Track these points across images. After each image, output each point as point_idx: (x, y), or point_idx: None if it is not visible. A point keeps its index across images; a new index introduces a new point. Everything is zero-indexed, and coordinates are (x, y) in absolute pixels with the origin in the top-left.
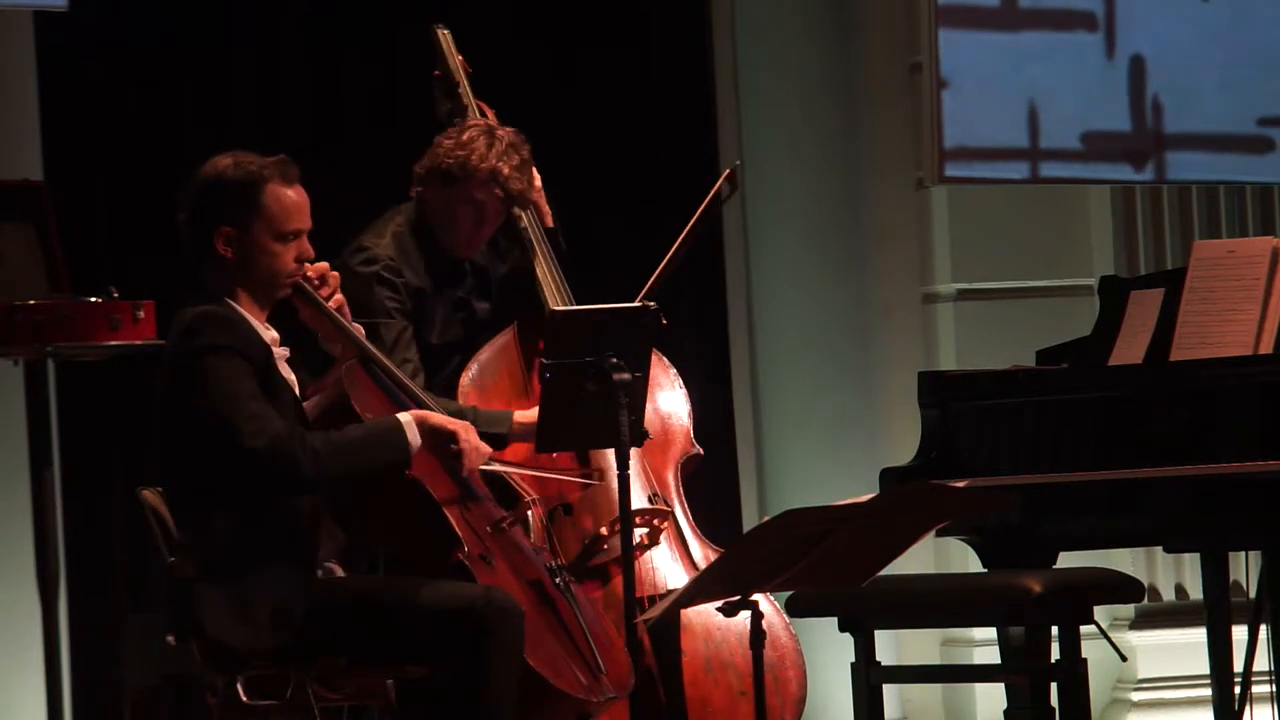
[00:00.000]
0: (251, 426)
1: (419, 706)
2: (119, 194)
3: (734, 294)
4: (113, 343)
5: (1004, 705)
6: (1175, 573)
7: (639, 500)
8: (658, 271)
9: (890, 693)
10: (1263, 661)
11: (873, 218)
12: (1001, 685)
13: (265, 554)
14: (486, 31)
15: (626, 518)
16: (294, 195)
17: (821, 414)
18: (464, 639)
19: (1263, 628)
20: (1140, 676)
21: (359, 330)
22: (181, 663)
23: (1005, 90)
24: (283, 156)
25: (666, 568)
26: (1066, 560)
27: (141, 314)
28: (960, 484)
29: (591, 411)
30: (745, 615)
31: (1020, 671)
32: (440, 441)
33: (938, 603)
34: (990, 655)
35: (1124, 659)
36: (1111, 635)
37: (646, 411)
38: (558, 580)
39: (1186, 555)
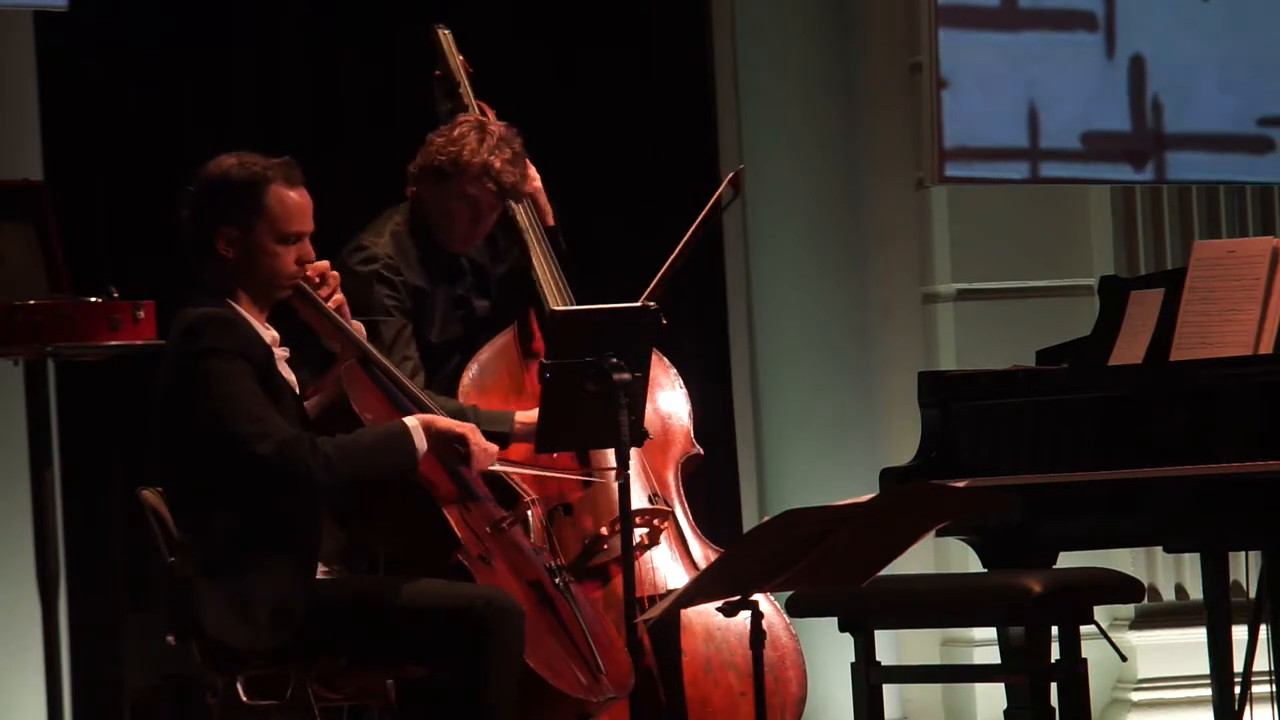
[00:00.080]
0: (257, 430)
1: (419, 706)
2: (119, 194)
3: (734, 294)
4: (113, 343)
5: (1004, 705)
6: (1175, 573)
7: (639, 500)
8: (660, 274)
9: (890, 693)
10: (1263, 661)
11: (873, 218)
12: (1001, 685)
13: (265, 554)
14: (486, 31)
15: (626, 518)
16: (297, 197)
17: (821, 414)
18: (464, 639)
19: (1263, 628)
20: (1140, 676)
21: (359, 330)
22: (181, 663)
23: (1005, 90)
24: (287, 158)
25: (666, 568)
26: (1066, 560)
27: (141, 314)
28: (960, 484)
29: (591, 411)
30: (745, 615)
31: (1020, 671)
32: (448, 445)
33: (938, 603)
34: (990, 655)
35: (1124, 659)
36: (1111, 635)
37: (646, 411)
38: (557, 580)
39: (1186, 555)
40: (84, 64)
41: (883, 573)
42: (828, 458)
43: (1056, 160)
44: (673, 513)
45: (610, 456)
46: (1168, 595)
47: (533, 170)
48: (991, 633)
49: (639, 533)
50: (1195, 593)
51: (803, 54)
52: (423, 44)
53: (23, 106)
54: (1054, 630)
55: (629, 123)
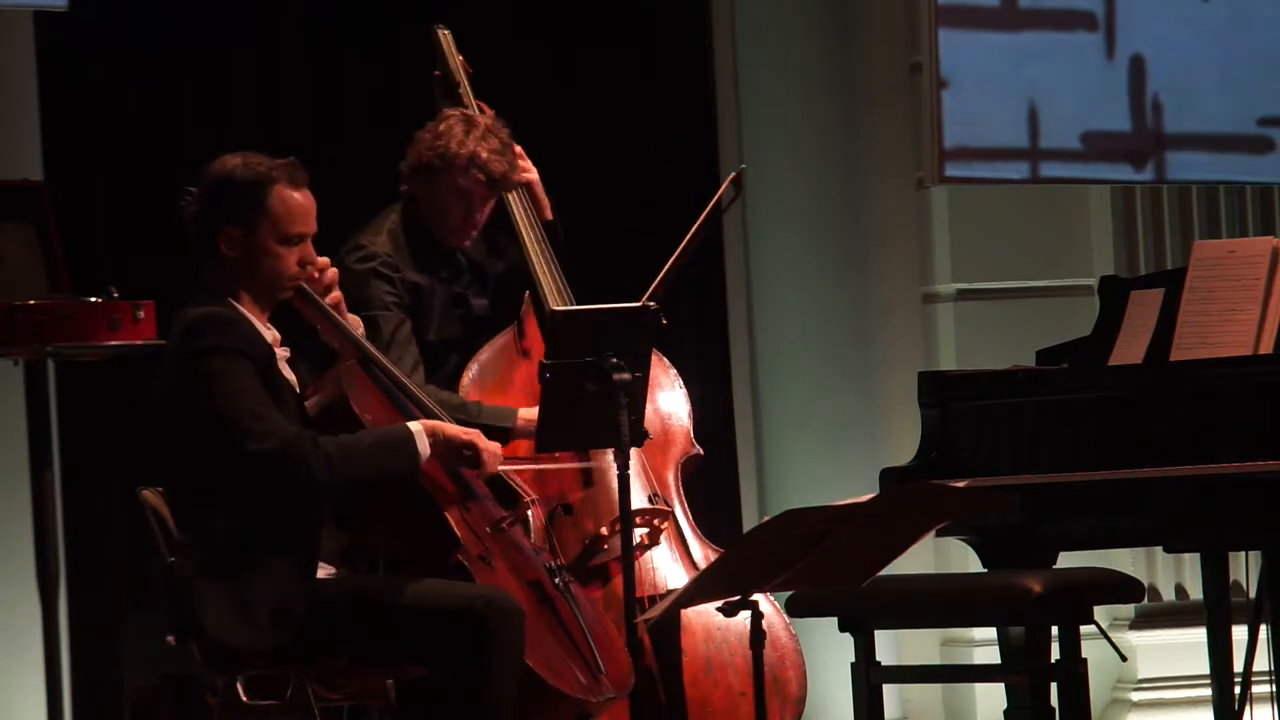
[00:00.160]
0: (259, 428)
1: (419, 706)
2: (119, 194)
3: (734, 294)
4: (113, 343)
5: (1004, 705)
6: (1175, 573)
7: (639, 500)
8: (662, 274)
9: (890, 693)
10: (1263, 661)
11: (873, 218)
12: (1001, 685)
13: (265, 554)
14: (486, 31)
15: (626, 518)
16: (300, 198)
17: (821, 414)
18: (464, 639)
19: (1263, 628)
20: (1140, 676)
21: (359, 330)
22: (181, 663)
23: (1005, 90)
24: (292, 159)
25: (666, 568)
26: (1066, 560)
27: (141, 314)
28: (960, 484)
29: (591, 411)
30: (745, 615)
31: (1020, 671)
32: (456, 452)
33: (938, 603)
34: (990, 655)
35: (1124, 659)
36: (1111, 635)
37: (646, 411)
38: (557, 580)
39: (1186, 555)
40: (84, 64)
41: (883, 573)
42: (828, 458)
43: (1056, 160)
44: (672, 513)
45: (610, 456)
46: (1168, 595)
47: (529, 163)
48: (991, 633)
49: (639, 533)
50: (1195, 593)
51: (803, 54)
52: (423, 44)
53: (23, 106)
54: (1054, 630)
55: (629, 123)
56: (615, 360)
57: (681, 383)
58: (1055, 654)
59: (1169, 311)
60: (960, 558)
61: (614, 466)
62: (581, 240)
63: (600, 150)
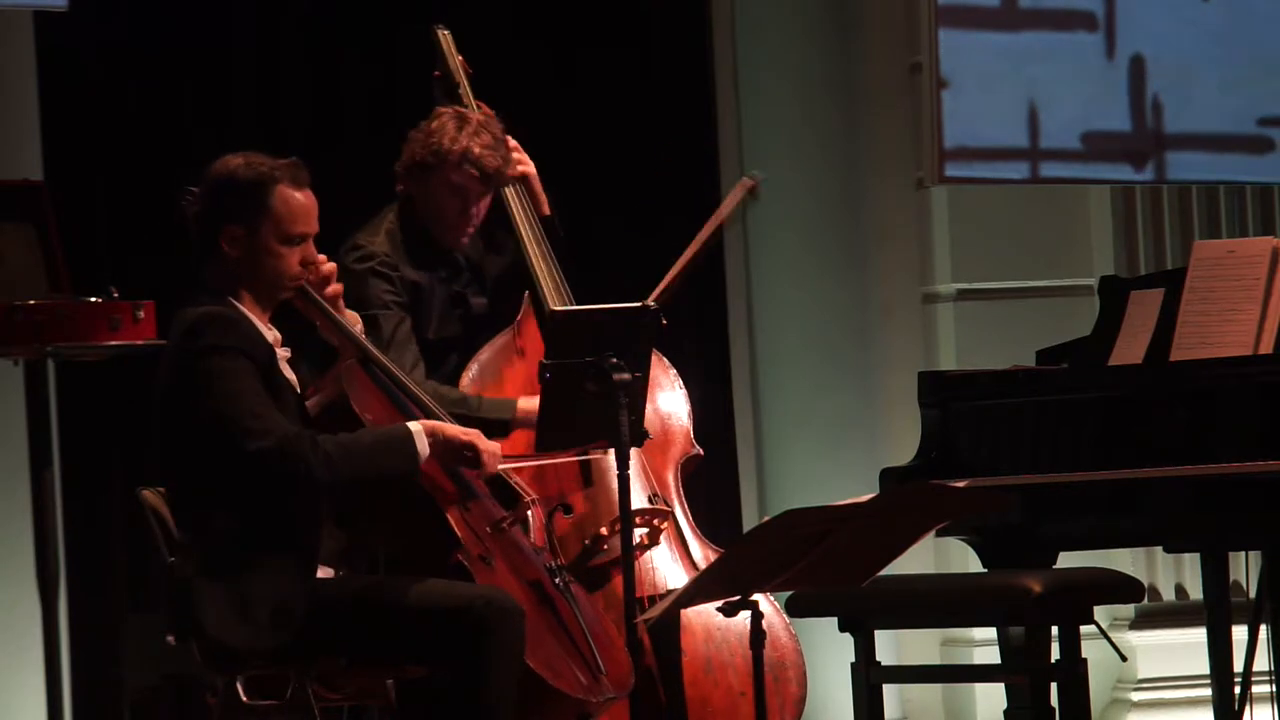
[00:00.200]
0: (258, 427)
1: (419, 706)
2: (119, 194)
3: (734, 294)
4: (113, 343)
5: (1004, 705)
6: (1175, 573)
7: (639, 500)
8: (668, 279)
9: (890, 693)
10: (1263, 661)
11: (873, 218)
12: (1001, 685)
13: (265, 554)
14: (486, 31)
15: (626, 518)
16: (302, 198)
17: (821, 414)
18: (464, 639)
19: (1263, 628)
20: (1140, 676)
21: (358, 327)
22: (181, 663)
23: (1005, 90)
24: (294, 159)
25: (666, 568)
26: (1066, 560)
27: (141, 314)
28: (960, 484)
29: (591, 411)
30: (745, 615)
31: (1020, 671)
32: (456, 453)
33: (938, 603)
34: (990, 655)
35: (1124, 659)
36: (1111, 635)
37: (646, 412)
38: (557, 580)
39: (1186, 555)
40: (84, 64)
41: (883, 573)
42: (828, 458)
43: (1056, 160)
44: (672, 513)
45: (610, 457)
46: (1168, 595)
47: (525, 156)
48: (991, 633)
49: (639, 533)
50: (1195, 593)
51: (803, 54)
52: (423, 44)
53: (23, 106)
54: (1054, 630)
55: (629, 123)
56: (615, 360)
57: (681, 383)
58: (1055, 654)
59: (1169, 311)
60: (960, 558)
61: (614, 466)
62: (581, 240)
63: (600, 150)
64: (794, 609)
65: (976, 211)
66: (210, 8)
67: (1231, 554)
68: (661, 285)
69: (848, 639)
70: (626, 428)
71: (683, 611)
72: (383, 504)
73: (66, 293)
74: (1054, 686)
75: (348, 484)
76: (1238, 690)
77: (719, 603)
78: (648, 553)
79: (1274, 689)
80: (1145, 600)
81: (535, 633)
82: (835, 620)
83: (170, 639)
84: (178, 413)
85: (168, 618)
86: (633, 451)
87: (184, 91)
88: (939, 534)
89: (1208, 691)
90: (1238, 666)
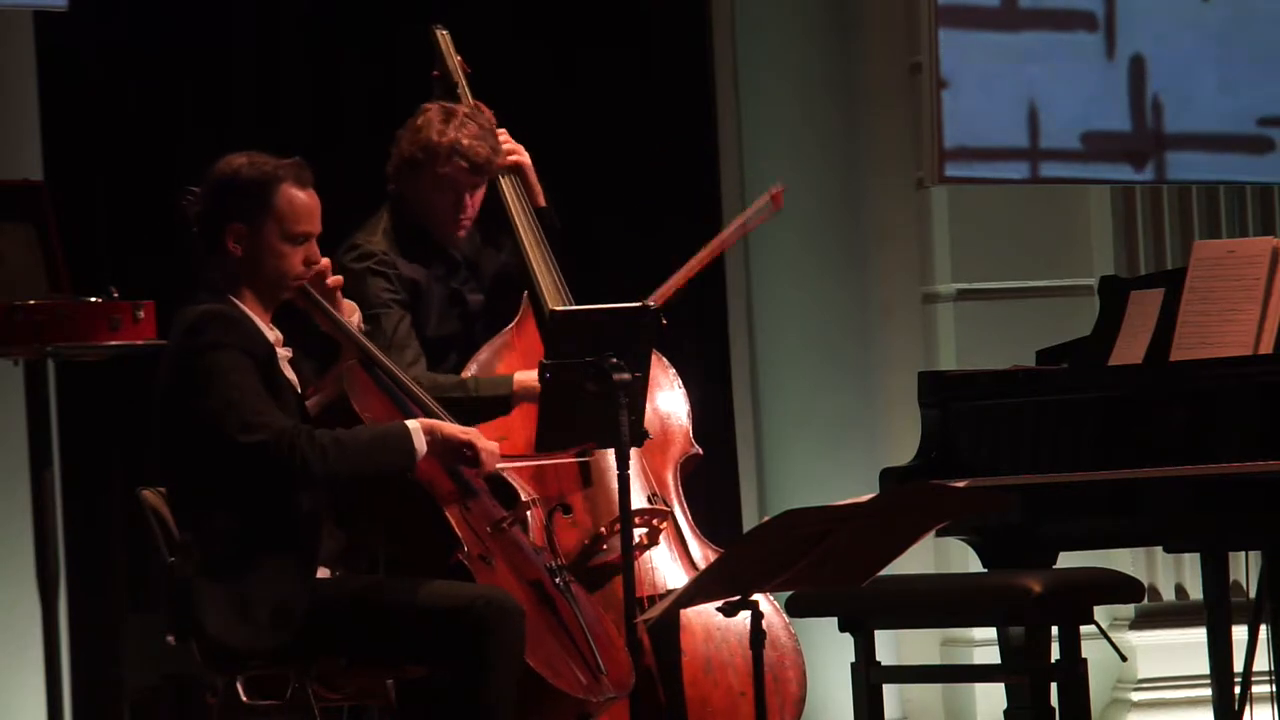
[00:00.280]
0: (256, 420)
1: (419, 706)
2: (119, 194)
3: (734, 294)
4: (113, 343)
5: (1004, 705)
6: (1175, 573)
7: (638, 500)
8: (672, 284)
9: (890, 693)
10: (1263, 661)
11: (873, 218)
12: (1001, 685)
13: (266, 554)
14: (486, 31)
15: (626, 518)
16: (306, 198)
17: (821, 414)
18: (464, 639)
19: (1263, 628)
20: (1140, 676)
21: (356, 316)
22: (181, 663)
23: (1005, 90)
24: (298, 159)
25: (666, 568)
26: (1066, 560)
27: (141, 314)
28: (960, 484)
29: (591, 411)
30: (745, 615)
31: (1020, 671)
32: (455, 451)
33: (938, 603)
34: (990, 655)
35: (1124, 659)
36: (1111, 635)
37: (646, 411)
38: (558, 580)
39: (1186, 555)
40: (84, 64)
41: (883, 573)
42: (828, 458)
43: (1056, 160)
44: (671, 513)
45: (610, 456)
46: (1168, 595)
47: (519, 146)
48: (991, 633)
49: (638, 533)
50: (1195, 593)
51: (803, 54)
52: (422, 44)
53: (23, 106)
54: (1054, 630)
55: (629, 123)
56: (615, 360)
57: (680, 382)
58: (1055, 654)
59: (1169, 311)
60: (960, 558)
61: (613, 466)
62: (581, 240)
63: (600, 150)
64: (794, 609)
65: (976, 211)
66: (210, 8)
67: (1231, 554)
68: (667, 288)
69: (848, 639)
70: (626, 428)
71: (682, 611)
72: (382, 503)
73: (66, 293)
74: (1054, 686)
75: (344, 479)
76: (1238, 690)
77: (719, 603)
78: (647, 553)
79: (1274, 689)
80: (1145, 600)
81: (535, 632)
82: (835, 620)
83: (170, 639)
84: (178, 411)
85: (168, 618)
86: (632, 451)
87: (184, 91)
88: (939, 534)
89: (1208, 691)
90: (1238, 666)
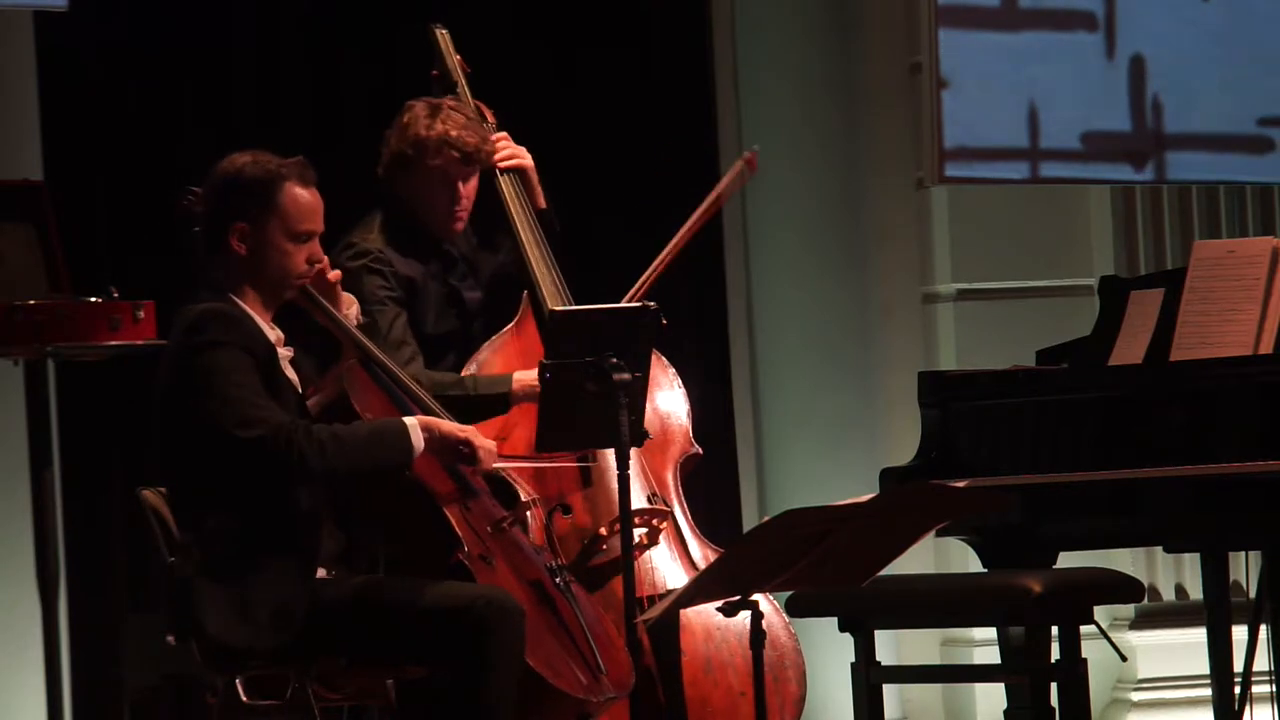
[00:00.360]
0: (254, 415)
1: (419, 706)
2: (119, 194)
3: (734, 294)
4: (113, 343)
5: (1004, 705)
6: (1175, 573)
7: (638, 500)
8: (660, 259)
9: (890, 693)
10: (1263, 661)
11: (873, 218)
12: (1001, 685)
13: (266, 554)
14: (486, 31)
15: (626, 518)
16: (309, 197)
17: (821, 414)
18: (464, 639)
19: (1263, 628)
20: (1140, 676)
21: (354, 309)
22: (181, 663)
23: (1005, 90)
24: (300, 158)
25: (666, 568)
26: (1066, 560)
27: (141, 314)
28: (960, 484)
29: (591, 411)
30: (745, 615)
31: (1020, 671)
32: (452, 449)
33: (938, 603)
34: (990, 655)
35: (1124, 659)
36: (1111, 635)
37: (646, 411)
38: (558, 580)
39: (1186, 555)
40: (84, 64)
41: (883, 573)
42: (828, 458)
43: (1056, 160)
44: (671, 513)
45: (610, 456)
46: (1168, 595)
47: (522, 150)
48: (991, 633)
49: (638, 533)
50: (1195, 593)
51: (803, 54)
52: (422, 44)
53: (23, 106)
54: (1054, 630)
55: (629, 123)
56: (615, 360)
57: (680, 382)
58: (1055, 654)
59: (1169, 311)
60: (960, 558)
61: (613, 466)
62: (581, 240)
63: (600, 150)
64: (794, 609)
65: (976, 211)
66: (210, 8)
67: (1231, 554)
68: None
69: (848, 639)
70: (626, 428)
71: (682, 611)
72: (381, 501)
73: (66, 293)
74: (1054, 686)
75: (341, 474)
76: (1238, 690)
77: (719, 603)
78: (647, 553)
79: (1274, 689)
80: (1145, 600)
81: (535, 632)
82: (835, 620)
83: (170, 639)
84: (178, 410)
85: (168, 618)
86: (632, 451)
87: (184, 91)
88: (939, 534)
89: (1208, 691)
90: (1238, 666)
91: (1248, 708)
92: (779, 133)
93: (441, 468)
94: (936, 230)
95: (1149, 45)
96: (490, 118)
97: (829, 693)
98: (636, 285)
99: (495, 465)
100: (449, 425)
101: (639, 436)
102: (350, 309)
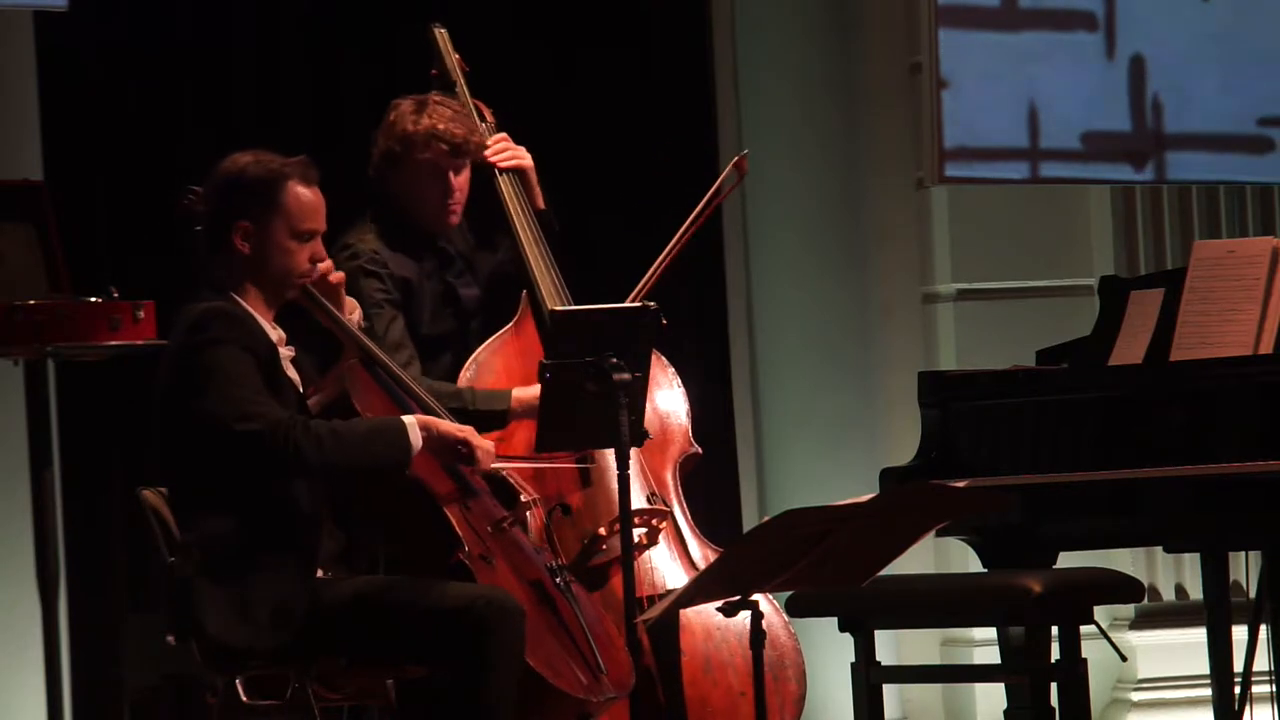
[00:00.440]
0: (252, 410)
1: (419, 706)
2: (119, 194)
3: (734, 294)
4: (113, 343)
5: (1004, 705)
6: (1175, 573)
7: (637, 500)
8: (659, 262)
9: (890, 693)
10: (1263, 661)
11: (873, 218)
12: (1001, 685)
13: (266, 554)
14: (486, 31)
15: (626, 518)
16: (312, 196)
17: (821, 414)
18: (464, 639)
19: (1263, 628)
20: (1140, 676)
21: (356, 314)
22: (181, 663)
23: (1005, 90)
24: (303, 157)
25: (665, 568)
26: (1066, 560)
27: (141, 314)
28: (960, 484)
29: (591, 411)
30: (745, 615)
31: (1020, 671)
32: (450, 449)
33: (938, 603)
34: (990, 655)
35: (1124, 659)
36: (1111, 635)
37: (645, 411)
38: (558, 580)
39: (1186, 555)
40: (84, 64)
41: (883, 573)
42: (828, 458)
43: (1056, 160)
44: (671, 513)
45: (610, 456)
46: (1168, 595)
47: (522, 150)
48: (991, 633)
49: (637, 533)
50: (1195, 593)
51: (803, 54)
52: (422, 44)
53: (23, 106)
54: (1054, 630)
55: (629, 123)
56: (615, 360)
57: (680, 382)
58: (1055, 654)
59: (1169, 311)
60: (960, 558)
61: (613, 466)
62: (580, 240)
63: (600, 150)
64: (794, 609)
65: (976, 211)
66: (210, 8)
67: (1231, 554)
68: (651, 272)
69: (848, 639)
70: (626, 428)
71: (682, 611)
72: (377, 501)
73: (66, 293)
74: (1054, 686)
75: (339, 470)
76: (1238, 690)
77: (719, 603)
78: (646, 552)
79: (1274, 689)
80: (1145, 600)
81: (536, 632)
82: (835, 620)
83: (170, 639)
84: (178, 409)
85: (168, 618)
86: (632, 451)
87: (184, 91)
88: (939, 534)
89: (1208, 691)
90: (1238, 666)
91: (1248, 708)
92: (779, 133)
93: (441, 468)
94: (936, 230)
95: (1149, 45)
96: (489, 117)
97: (829, 693)
98: (635, 291)
99: (494, 465)
100: (448, 425)
101: (639, 436)
102: (353, 314)
